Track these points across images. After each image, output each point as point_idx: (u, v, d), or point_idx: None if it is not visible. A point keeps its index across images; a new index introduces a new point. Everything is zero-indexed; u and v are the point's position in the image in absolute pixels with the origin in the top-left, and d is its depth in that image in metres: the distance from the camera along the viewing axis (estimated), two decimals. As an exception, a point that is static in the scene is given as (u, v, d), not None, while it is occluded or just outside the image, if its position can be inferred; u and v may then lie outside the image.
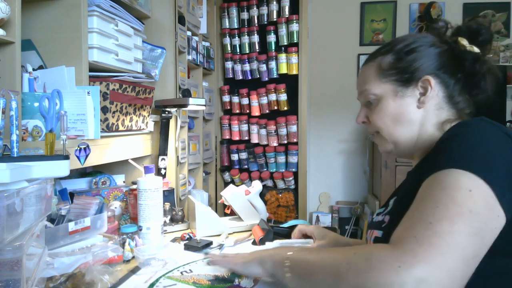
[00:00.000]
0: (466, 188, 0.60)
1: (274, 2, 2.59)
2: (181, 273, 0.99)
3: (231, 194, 1.40)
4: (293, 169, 2.62)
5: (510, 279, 0.65)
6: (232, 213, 1.45)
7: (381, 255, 0.61)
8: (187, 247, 1.19)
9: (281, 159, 2.64)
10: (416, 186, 0.68)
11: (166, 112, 1.57)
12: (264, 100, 2.65)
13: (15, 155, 0.75)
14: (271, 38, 2.62)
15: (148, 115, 1.54)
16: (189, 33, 1.98)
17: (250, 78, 2.69)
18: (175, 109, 1.57)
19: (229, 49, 2.72)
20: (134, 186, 1.35)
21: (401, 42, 0.84)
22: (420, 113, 0.81)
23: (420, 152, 0.83)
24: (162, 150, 1.57)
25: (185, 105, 1.49)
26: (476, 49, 0.79)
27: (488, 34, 0.80)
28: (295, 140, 2.60)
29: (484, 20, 0.81)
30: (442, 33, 0.84)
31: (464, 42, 0.80)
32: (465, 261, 0.57)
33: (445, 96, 0.81)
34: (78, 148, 1.05)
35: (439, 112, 0.81)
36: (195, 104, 1.49)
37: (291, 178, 2.63)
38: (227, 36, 2.71)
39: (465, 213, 0.59)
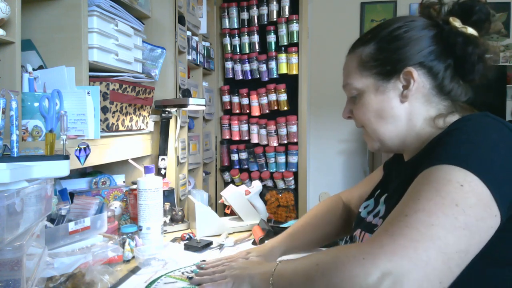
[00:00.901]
0: (456, 182, 0.56)
1: (274, 2, 2.59)
2: (182, 273, 0.99)
3: (231, 194, 1.40)
4: (293, 169, 2.62)
5: None
6: (232, 213, 1.45)
7: (348, 250, 0.59)
8: (187, 247, 1.19)
9: (281, 159, 2.64)
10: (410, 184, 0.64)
11: (166, 112, 1.57)
12: (264, 100, 2.65)
13: (15, 155, 0.75)
14: (271, 38, 2.62)
15: (148, 115, 1.54)
16: (189, 33, 1.98)
17: (250, 78, 2.69)
18: (175, 109, 1.57)
19: (229, 49, 2.72)
20: (134, 186, 1.35)
21: (385, 28, 0.77)
22: (404, 108, 0.74)
23: (411, 148, 0.77)
24: (162, 150, 1.57)
25: (185, 105, 1.49)
26: (470, 30, 0.70)
27: (483, 12, 0.71)
28: (295, 140, 2.60)
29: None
30: (433, 14, 0.76)
31: (456, 22, 0.71)
32: (445, 254, 0.53)
33: (433, 87, 0.73)
34: (78, 148, 1.05)
35: (428, 105, 0.74)
36: (195, 104, 1.49)
37: (291, 178, 2.63)
38: (227, 36, 2.71)
39: (448, 205, 0.55)
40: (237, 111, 2.74)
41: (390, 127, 0.76)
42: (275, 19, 2.60)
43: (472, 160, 0.58)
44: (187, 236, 1.28)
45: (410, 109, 0.74)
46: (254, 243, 1.24)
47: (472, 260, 0.56)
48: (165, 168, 1.57)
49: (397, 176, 0.83)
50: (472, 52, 0.70)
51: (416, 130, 0.75)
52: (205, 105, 1.55)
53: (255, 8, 2.65)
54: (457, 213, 0.54)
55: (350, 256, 0.57)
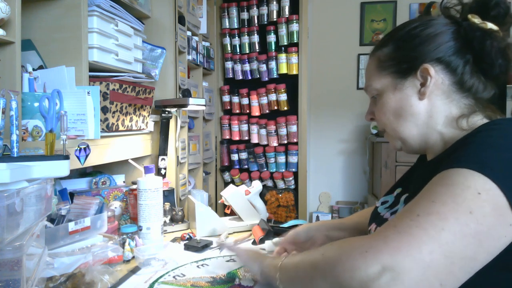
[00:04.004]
0: (474, 189, 0.55)
1: (274, 2, 2.59)
2: (174, 277, 0.96)
3: (231, 194, 1.40)
4: (293, 169, 2.63)
5: None
6: (232, 213, 1.45)
7: (354, 242, 0.59)
8: (187, 247, 1.19)
9: (281, 159, 2.64)
10: None
11: (166, 112, 1.57)
12: (264, 100, 2.65)
13: (15, 155, 0.75)
14: (271, 38, 2.62)
15: (148, 115, 1.54)
16: (189, 33, 1.98)
17: (250, 78, 2.69)
18: (175, 109, 1.57)
19: (229, 49, 2.72)
20: (134, 186, 1.35)
21: (402, 28, 0.77)
22: (424, 105, 0.73)
23: (434, 149, 0.76)
24: (162, 150, 1.57)
25: (185, 105, 1.49)
26: (490, 26, 0.69)
27: (500, 6, 0.69)
28: (295, 140, 2.60)
29: None
30: (453, 13, 0.75)
31: (475, 19, 0.70)
32: (449, 258, 0.52)
33: (452, 83, 0.71)
34: (78, 148, 1.05)
35: (449, 103, 0.72)
36: (195, 104, 1.49)
37: (291, 178, 2.63)
38: (227, 36, 2.71)
39: (462, 212, 0.54)
40: (237, 111, 2.74)
41: (410, 125, 0.75)
42: (275, 19, 2.60)
43: (493, 167, 0.56)
44: (187, 236, 1.28)
45: (430, 106, 0.73)
46: (254, 243, 1.24)
47: (493, 265, 0.56)
48: (165, 168, 1.57)
49: (419, 176, 0.82)
50: (490, 46, 0.69)
51: (438, 128, 0.74)
52: (205, 105, 1.55)
53: (255, 8, 2.65)
54: (469, 220, 0.54)
55: (354, 248, 0.57)
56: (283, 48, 2.59)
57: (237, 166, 2.77)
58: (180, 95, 1.74)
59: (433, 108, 0.73)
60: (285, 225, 1.37)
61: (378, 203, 0.89)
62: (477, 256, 0.54)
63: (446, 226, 0.53)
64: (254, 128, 2.69)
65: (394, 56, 0.76)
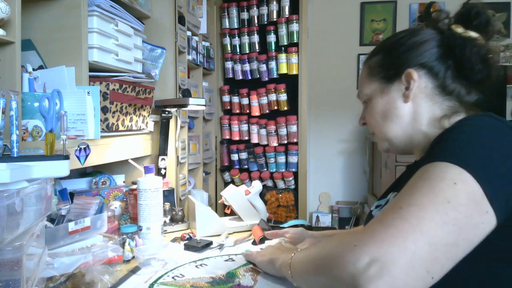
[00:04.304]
0: (450, 180, 0.58)
1: (274, 2, 2.59)
2: (173, 278, 0.96)
3: (231, 194, 1.40)
4: (293, 169, 2.63)
5: (505, 285, 0.63)
6: (232, 213, 1.45)
7: (345, 237, 0.63)
8: (187, 247, 1.19)
9: (281, 159, 2.64)
10: None
11: (166, 112, 1.57)
12: (264, 100, 2.65)
13: (15, 155, 0.75)
14: (271, 38, 2.62)
15: (148, 115, 1.54)
16: (189, 33, 1.98)
17: (250, 78, 2.69)
18: (175, 109, 1.57)
19: (229, 49, 2.72)
20: (134, 186, 1.35)
21: (392, 38, 0.83)
22: (408, 107, 0.78)
23: (419, 148, 0.80)
24: (162, 150, 1.57)
25: (185, 105, 1.49)
26: (471, 33, 0.74)
27: (481, 16, 0.75)
28: (295, 140, 2.60)
29: (478, 4, 0.75)
30: (440, 25, 0.80)
31: (459, 29, 0.76)
32: (432, 246, 0.55)
33: (435, 86, 0.77)
34: (78, 148, 1.05)
35: (432, 105, 0.77)
36: (195, 104, 1.49)
37: (291, 178, 2.63)
38: (227, 36, 2.71)
39: (440, 202, 0.57)
40: (237, 111, 2.74)
41: (395, 127, 0.80)
42: (275, 19, 2.60)
43: (467, 158, 0.60)
44: (187, 236, 1.28)
45: (414, 108, 0.78)
46: (254, 243, 1.24)
47: (476, 256, 0.58)
48: (165, 168, 1.57)
49: (408, 176, 0.84)
50: (470, 52, 0.73)
51: (422, 129, 0.78)
52: (205, 105, 1.55)
53: (255, 8, 2.65)
54: (447, 209, 0.57)
55: (344, 243, 0.61)
56: (283, 48, 2.59)
57: (237, 166, 2.77)
58: (180, 95, 1.74)
59: (417, 110, 0.78)
60: (285, 225, 1.37)
61: (373, 206, 0.92)
62: (458, 243, 0.57)
63: (426, 215, 0.57)
64: (254, 128, 2.69)
65: (383, 63, 0.82)
